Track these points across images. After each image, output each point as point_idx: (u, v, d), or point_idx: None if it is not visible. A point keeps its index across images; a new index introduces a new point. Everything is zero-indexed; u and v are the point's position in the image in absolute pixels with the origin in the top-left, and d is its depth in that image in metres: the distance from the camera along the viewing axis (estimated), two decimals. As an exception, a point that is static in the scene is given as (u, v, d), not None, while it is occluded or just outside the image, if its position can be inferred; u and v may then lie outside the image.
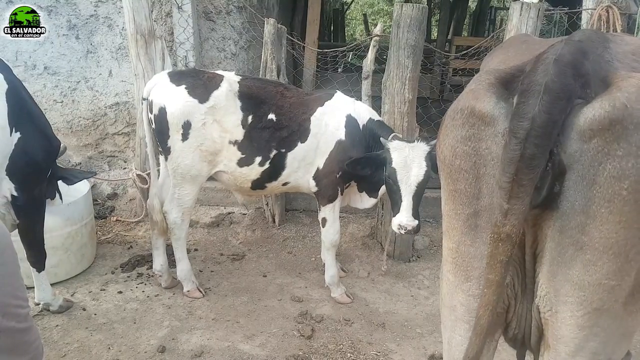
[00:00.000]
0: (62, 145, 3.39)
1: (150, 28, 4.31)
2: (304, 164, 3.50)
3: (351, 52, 6.92)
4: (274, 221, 4.87)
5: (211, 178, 3.56)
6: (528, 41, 2.00)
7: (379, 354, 3.10)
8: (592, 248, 1.25)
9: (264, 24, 4.47)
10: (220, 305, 3.55)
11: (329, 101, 3.52)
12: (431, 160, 3.08)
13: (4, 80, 2.77)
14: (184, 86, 3.25)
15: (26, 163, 2.89)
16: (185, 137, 3.26)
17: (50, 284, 3.38)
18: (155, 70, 4.27)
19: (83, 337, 3.13)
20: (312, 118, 3.44)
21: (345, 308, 3.60)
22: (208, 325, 3.31)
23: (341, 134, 3.44)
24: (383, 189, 3.45)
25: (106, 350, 3.02)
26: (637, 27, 4.01)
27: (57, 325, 3.23)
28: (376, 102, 4.57)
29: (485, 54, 2.88)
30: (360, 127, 3.50)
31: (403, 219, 3.13)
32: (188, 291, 3.63)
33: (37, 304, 3.31)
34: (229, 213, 4.97)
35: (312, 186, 3.55)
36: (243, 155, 3.40)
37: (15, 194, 2.91)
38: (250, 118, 3.36)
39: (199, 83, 3.28)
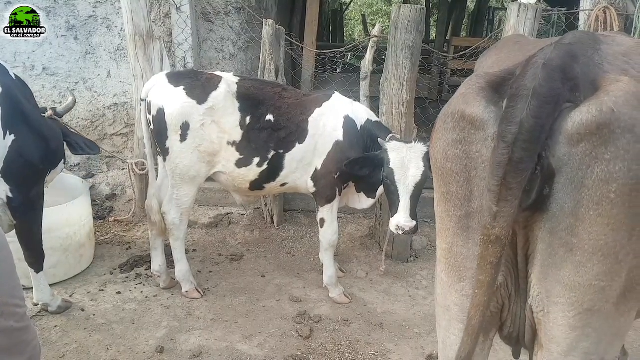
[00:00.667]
0: (71, 99, 3.43)
1: (148, 29, 4.33)
2: (302, 165, 3.51)
3: (350, 53, 6.93)
4: (272, 222, 4.88)
5: (210, 179, 3.57)
6: (521, 42, 2.01)
7: (377, 354, 3.11)
8: (582, 250, 1.27)
9: (262, 24, 4.48)
10: (218, 306, 3.56)
11: (327, 102, 3.52)
12: (429, 160, 3.07)
13: None
14: (182, 87, 3.26)
15: (21, 165, 2.89)
16: (183, 138, 3.27)
17: (49, 285, 3.38)
18: (153, 71, 4.28)
19: (82, 337, 3.14)
20: (310, 119, 3.45)
21: (343, 308, 3.61)
22: (206, 326, 3.32)
23: (339, 135, 3.45)
24: (381, 189, 3.46)
25: (105, 350, 3.03)
26: (634, 28, 4.02)
27: (55, 326, 3.24)
28: (374, 102, 4.58)
29: (484, 55, 2.88)
30: (358, 127, 3.51)
31: (401, 219, 3.15)
32: (187, 292, 3.64)
33: (36, 305, 3.32)
34: (228, 213, 4.97)
35: (310, 187, 3.57)
36: (241, 156, 3.41)
37: (11, 195, 2.91)
38: (248, 119, 3.37)
39: (198, 84, 3.29)
